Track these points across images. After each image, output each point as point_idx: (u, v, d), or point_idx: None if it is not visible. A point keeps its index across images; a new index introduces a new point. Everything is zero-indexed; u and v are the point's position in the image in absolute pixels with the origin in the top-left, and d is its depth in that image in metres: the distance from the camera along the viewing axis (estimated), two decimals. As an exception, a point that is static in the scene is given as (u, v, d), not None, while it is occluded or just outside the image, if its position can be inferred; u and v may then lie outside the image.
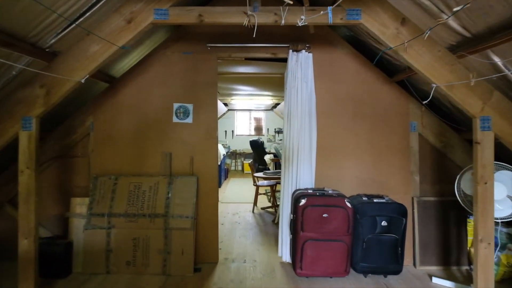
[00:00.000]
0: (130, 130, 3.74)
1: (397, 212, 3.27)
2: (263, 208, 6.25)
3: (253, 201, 6.19)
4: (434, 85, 2.66)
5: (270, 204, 6.39)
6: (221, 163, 8.50)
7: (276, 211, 5.96)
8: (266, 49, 3.73)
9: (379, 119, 3.77)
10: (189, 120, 3.74)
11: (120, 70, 3.78)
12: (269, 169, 10.34)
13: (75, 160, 3.74)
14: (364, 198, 3.43)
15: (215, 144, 3.78)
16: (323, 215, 3.19)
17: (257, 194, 6.17)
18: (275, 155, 10.52)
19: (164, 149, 3.73)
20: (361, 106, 3.77)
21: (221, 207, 6.27)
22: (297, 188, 3.63)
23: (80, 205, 3.61)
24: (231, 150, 11.78)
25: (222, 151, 8.72)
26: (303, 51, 3.62)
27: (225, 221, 5.43)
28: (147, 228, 3.46)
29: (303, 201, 3.23)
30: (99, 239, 3.43)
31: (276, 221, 5.29)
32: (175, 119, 3.74)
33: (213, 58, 3.74)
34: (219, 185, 8.36)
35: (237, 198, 7.18)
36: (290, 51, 3.61)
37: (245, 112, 12.26)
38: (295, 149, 3.63)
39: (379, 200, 3.35)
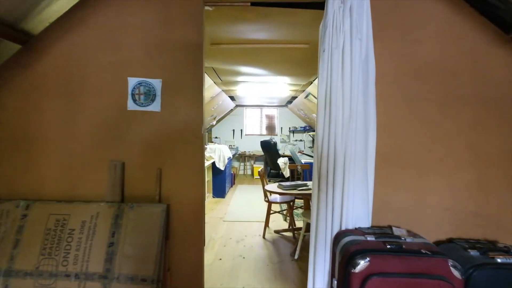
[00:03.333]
0: (57, 124, 2.22)
1: (551, 288, 1.66)
2: (277, 232, 4.67)
3: (264, 221, 4.63)
4: None
5: (286, 226, 4.82)
6: (226, 168, 6.97)
7: (295, 237, 4.39)
8: (288, -16, 2.16)
9: (487, 108, 2.15)
10: (155, 107, 2.19)
11: (41, 22, 2.23)
12: (282, 175, 8.77)
13: (-35, 173, 2.24)
14: (472, 253, 1.82)
15: (199, 148, 2.21)
16: (405, 295, 1.60)
17: (269, 213, 4.59)
18: (290, 159, 8.94)
19: (111, 156, 2.19)
20: (455, 85, 2.16)
21: (223, 228, 4.76)
22: (343, 227, 2.05)
23: (-33, 252, 2.11)
24: (239, 152, 10.28)
25: (228, 153, 7.24)
26: (356, -17, 2.03)
27: (224, 253, 3.87)
28: (72, 300, 1.93)
29: (362, 263, 1.64)
30: (-13, 318, 1.93)
31: (296, 257, 3.72)
32: (131, 106, 2.19)
33: (197, 1, 2.19)
34: (223, 195, 6.85)
35: (245, 214, 5.59)
36: (332, -17, 2.04)
37: (255, 109, 10.69)
38: (339, 158, 2.05)
39: (506, 260, 1.74)
